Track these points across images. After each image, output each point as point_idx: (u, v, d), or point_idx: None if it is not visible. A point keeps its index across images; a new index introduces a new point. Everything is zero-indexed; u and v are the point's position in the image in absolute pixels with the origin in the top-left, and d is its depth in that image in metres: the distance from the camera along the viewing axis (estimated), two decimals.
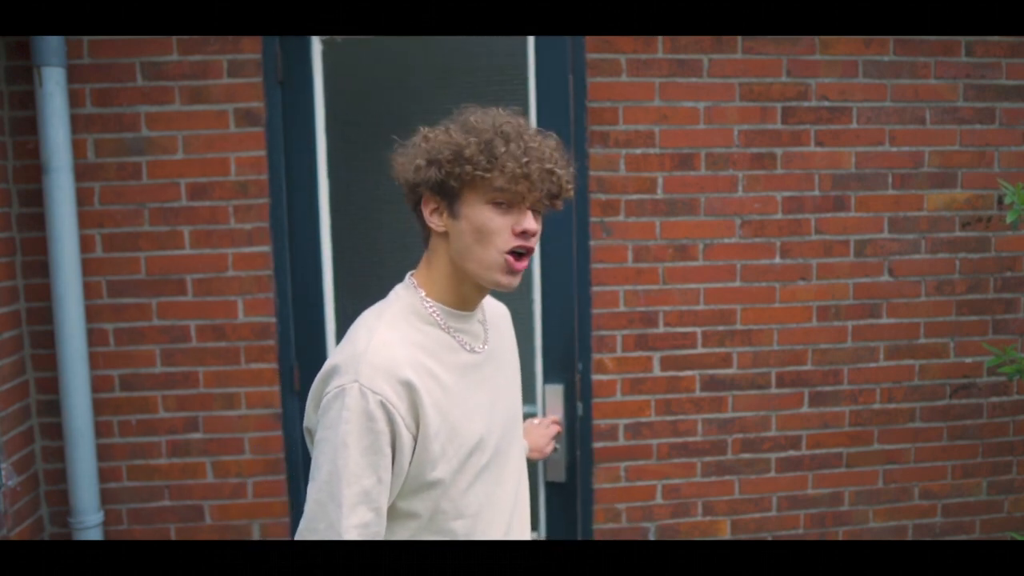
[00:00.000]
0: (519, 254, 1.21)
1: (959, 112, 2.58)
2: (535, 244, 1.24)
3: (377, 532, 1.14)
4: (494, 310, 1.46)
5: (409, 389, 1.15)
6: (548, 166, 1.19)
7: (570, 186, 1.25)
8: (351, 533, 1.10)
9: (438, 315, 1.26)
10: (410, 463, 1.17)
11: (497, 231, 1.19)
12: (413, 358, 1.19)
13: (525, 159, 1.16)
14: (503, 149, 1.17)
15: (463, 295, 1.27)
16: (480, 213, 1.19)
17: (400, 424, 1.14)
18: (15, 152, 2.31)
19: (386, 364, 1.15)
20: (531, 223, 1.20)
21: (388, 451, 1.13)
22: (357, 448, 1.11)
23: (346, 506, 1.10)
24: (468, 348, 1.28)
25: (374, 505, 1.13)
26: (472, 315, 1.31)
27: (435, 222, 1.25)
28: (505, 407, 1.34)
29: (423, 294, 1.28)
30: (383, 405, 1.12)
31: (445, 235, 1.25)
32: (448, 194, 1.22)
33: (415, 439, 1.16)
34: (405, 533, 1.21)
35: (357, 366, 1.14)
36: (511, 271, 1.21)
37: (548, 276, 2.53)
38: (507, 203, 1.19)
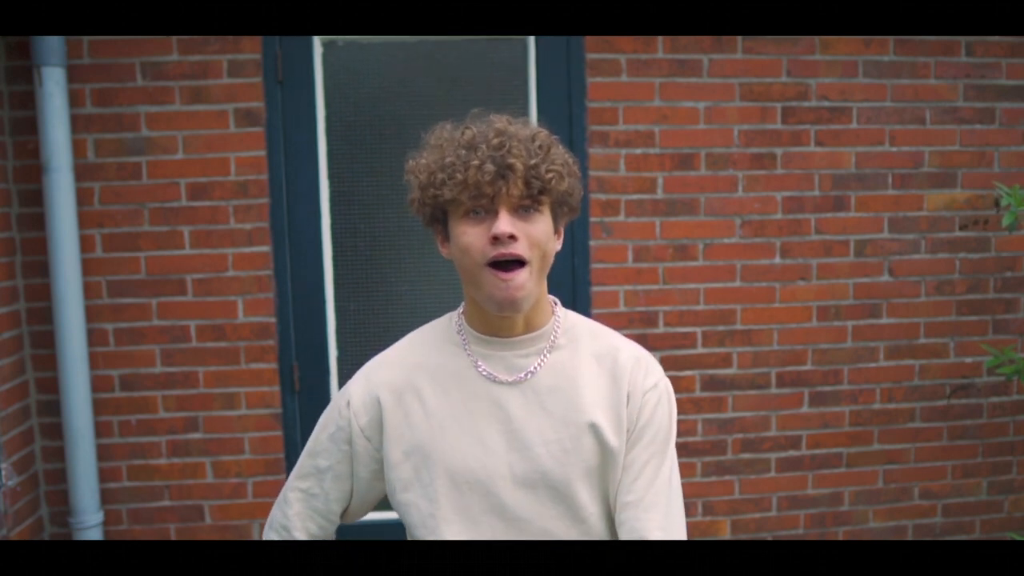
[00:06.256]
0: (503, 264, 1.08)
1: (959, 112, 2.58)
2: (521, 251, 1.07)
3: (317, 508, 1.22)
4: (596, 349, 1.20)
5: (376, 407, 1.18)
6: (509, 161, 1.05)
7: (550, 176, 1.09)
8: (294, 494, 1.23)
9: (466, 339, 1.18)
10: (373, 474, 1.21)
11: (472, 243, 1.08)
12: (404, 380, 1.18)
13: (476, 162, 1.06)
14: (451, 159, 1.08)
15: (488, 320, 1.16)
16: (457, 229, 1.11)
17: (356, 430, 1.19)
18: (15, 152, 2.31)
19: (369, 378, 1.21)
20: (500, 227, 1.06)
21: (346, 448, 1.20)
22: (325, 432, 1.22)
23: (298, 470, 1.24)
24: (486, 375, 1.15)
25: (323, 484, 1.22)
26: (509, 342, 1.16)
27: (444, 251, 1.18)
28: (537, 456, 1.13)
29: (461, 317, 1.22)
30: (349, 406, 1.20)
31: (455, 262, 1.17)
32: (439, 220, 1.15)
33: (378, 451, 1.19)
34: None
35: (361, 369, 1.24)
36: (498, 285, 1.08)
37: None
38: (483, 211, 1.08)
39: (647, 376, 1.19)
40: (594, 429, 1.14)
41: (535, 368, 1.16)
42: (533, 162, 1.08)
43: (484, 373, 1.16)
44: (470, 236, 1.08)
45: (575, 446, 1.13)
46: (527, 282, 1.09)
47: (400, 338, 1.27)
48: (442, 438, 1.14)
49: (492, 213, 1.08)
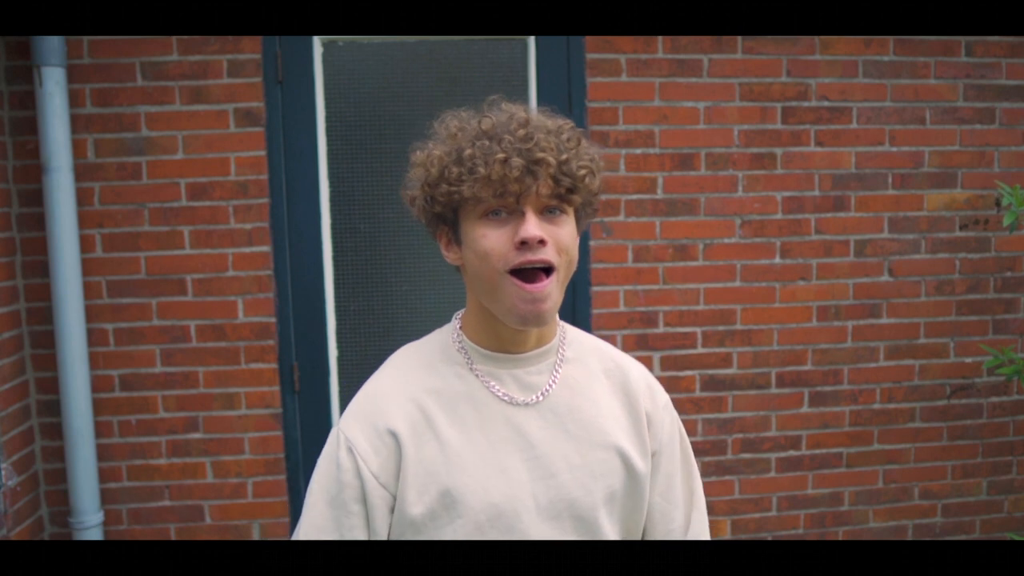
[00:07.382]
0: (524, 272, 0.96)
1: (959, 112, 2.58)
2: (550, 256, 0.96)
3: None
4: (604, 365, 1.12)
5: (389, 444, 1.01)
6: (539, 155, 0.94)
7: (583, 172, 0.98)
8: None
9: (469, 357, 1.05)
10: (390, 526, 1.03)
11: (494, 247, 0.96)
12: (413, 408, 1.03)
13: (501, 155, 0.93)
14: (470, 151, 0.95)
15: (498, 334, 1.04)
16: (474, 232, 0.98)
17: (369, 479, 1.00)
18: (15, 152, 2.31)
19: (370, 412, 1.03)
20: (529, 230, 0.94)
21: (357, 508, 1.01)
22: (323, 498, 1.02)
23: None
24: (501, 395, 1.04)
25: None
26: (518, 358, 1.05)
27: (450, 256, 1.05)
28: (564, 484, 1.03)
29: (460, 332, 1.08)
30: (351, 453, 1.01)
31: (463, 269, 1.05)
32: (447, 220, 1.02)
33: (394, 498, 1.02)
34: None
35: (348, 409, 1.06)
36: (524, 296, 0.95)
37: None
38: (506, 211, 0.97)
39: (659, 395, 1.16)
40: (621, 452, 1.07)
41: (550, 386, 1.06)
42: (564, 157, 0.96)
43: (499, 394, 1.03)
44: (491, 240, 0.96)
45: (603, 470, 1.05)
46: (554, 292, 0.97)
47: (397, 340, 1.15)
48: (460, 471, 1.00)
49: (516, 214, 0.96)
